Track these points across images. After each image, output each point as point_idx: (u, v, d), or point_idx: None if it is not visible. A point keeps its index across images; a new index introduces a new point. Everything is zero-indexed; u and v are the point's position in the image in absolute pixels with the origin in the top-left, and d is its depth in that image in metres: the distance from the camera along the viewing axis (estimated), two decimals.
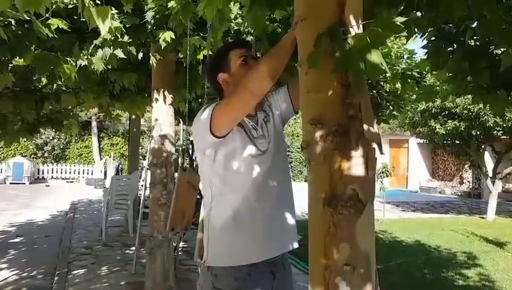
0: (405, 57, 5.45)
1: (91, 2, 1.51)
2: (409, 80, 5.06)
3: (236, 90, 1.64)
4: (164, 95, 4.29)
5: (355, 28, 1.26)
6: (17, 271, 5.65)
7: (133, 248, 5.97)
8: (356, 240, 1.26)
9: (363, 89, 1.27)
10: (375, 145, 1.29)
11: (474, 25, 2.49)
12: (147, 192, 5.59)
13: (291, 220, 1.83)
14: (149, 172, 4.74)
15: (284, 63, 1.56)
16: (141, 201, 6.17)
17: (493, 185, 11.48)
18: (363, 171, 1.26)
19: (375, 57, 1.15)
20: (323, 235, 1.28)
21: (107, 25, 1.45)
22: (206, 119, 1.66)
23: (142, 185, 7.76)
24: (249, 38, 3.29)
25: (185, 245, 6.61)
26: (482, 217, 11.54)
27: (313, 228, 1.33)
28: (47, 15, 2.60)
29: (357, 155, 1.25)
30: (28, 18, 2.72)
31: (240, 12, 3.26)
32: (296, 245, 1.85)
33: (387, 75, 5.11)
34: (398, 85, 5.20)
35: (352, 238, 1.26)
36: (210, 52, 3.39)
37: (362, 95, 1.26)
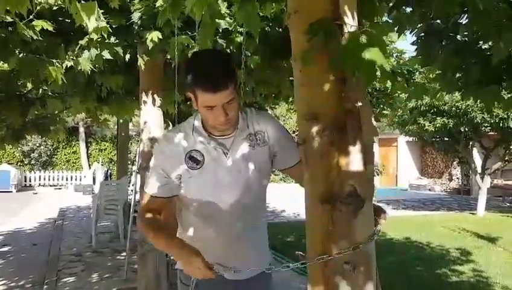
0: (394, 55, 5.47)
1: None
2: (399, 78, 5.07)
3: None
4: (153, 98, 4.23)
5: (350, 21, 1.22)
6: (5, 281, 5.53)
7: (124, 254, 5.88)
8: (356, 237, 1.22)
9: (360, 82, 1.24)
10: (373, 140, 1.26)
11: (464, 20, 2.49)
12: (137, 196, 5.51)
13: (258, 260, 1.73)
14: (139, 176, 4.67)
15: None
16: (131, 206, 6.08)
17: (482, 181, 11.55)
18: (362, 167, 1.22)
19: (371, 55, 1.11)
20: (322, 234, 1.25)
21: (93, 21, 1.40)
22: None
23: (131, 190, 7.68)
24: (239, 38, 3.25)
25: None
26: (472, 213, 11.60)
27: (311, 226, 1.29)
28: (31, 16, 2.54)
29: (355, 150, 1.22)
30: (11, 20, 2.65)
31: (229, 12, 3.22)
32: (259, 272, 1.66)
33: (377, 73, 5.12)
34: (389, 84, 5.21)
35: (352, 236, 1.22)
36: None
37: (359, 89, 1.23)
